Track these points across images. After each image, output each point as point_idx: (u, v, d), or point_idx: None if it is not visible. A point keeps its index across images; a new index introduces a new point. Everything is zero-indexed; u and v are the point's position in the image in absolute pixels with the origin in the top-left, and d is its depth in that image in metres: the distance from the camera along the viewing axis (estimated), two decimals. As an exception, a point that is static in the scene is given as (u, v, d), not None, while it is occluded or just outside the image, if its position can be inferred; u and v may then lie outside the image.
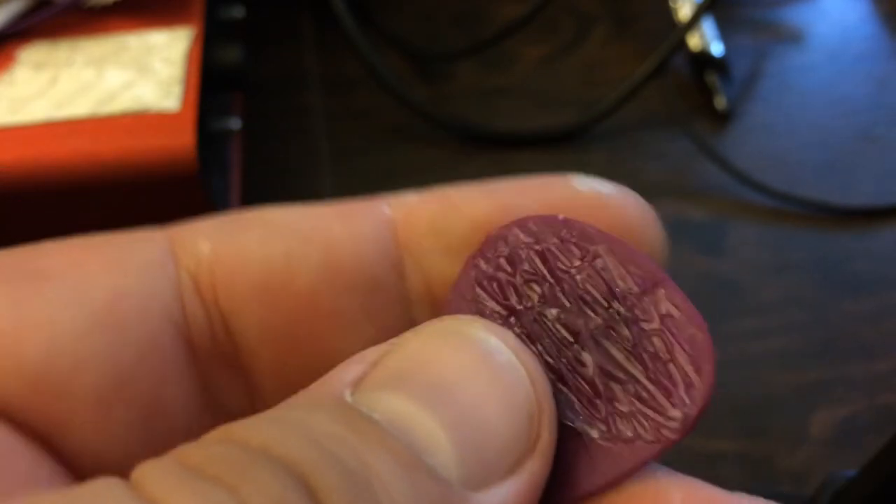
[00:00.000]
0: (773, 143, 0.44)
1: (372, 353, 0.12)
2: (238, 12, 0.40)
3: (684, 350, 0.13)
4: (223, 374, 0.14)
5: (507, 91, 0.46)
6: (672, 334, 0.13)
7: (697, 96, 0.46)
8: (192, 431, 0.13)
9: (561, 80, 0.47)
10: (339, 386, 0.11)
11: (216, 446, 0.10)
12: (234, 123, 0.38)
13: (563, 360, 0.13)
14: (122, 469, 0.11)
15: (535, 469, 0.12)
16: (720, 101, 0.45)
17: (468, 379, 0.12)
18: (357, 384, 0.11)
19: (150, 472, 0.10)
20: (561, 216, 0.14)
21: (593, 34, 0.49)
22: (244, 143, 0.42)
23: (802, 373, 0.35)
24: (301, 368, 0.14)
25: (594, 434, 0.13)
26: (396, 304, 0.14)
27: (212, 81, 0.35)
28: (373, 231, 0.14)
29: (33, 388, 0.12)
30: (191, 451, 0.10)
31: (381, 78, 0.42)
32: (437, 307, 0.14)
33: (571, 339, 0.13)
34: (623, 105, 0.44)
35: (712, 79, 0.45)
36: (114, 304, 0.12)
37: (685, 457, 0.33)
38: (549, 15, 0.49)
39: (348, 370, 0.12)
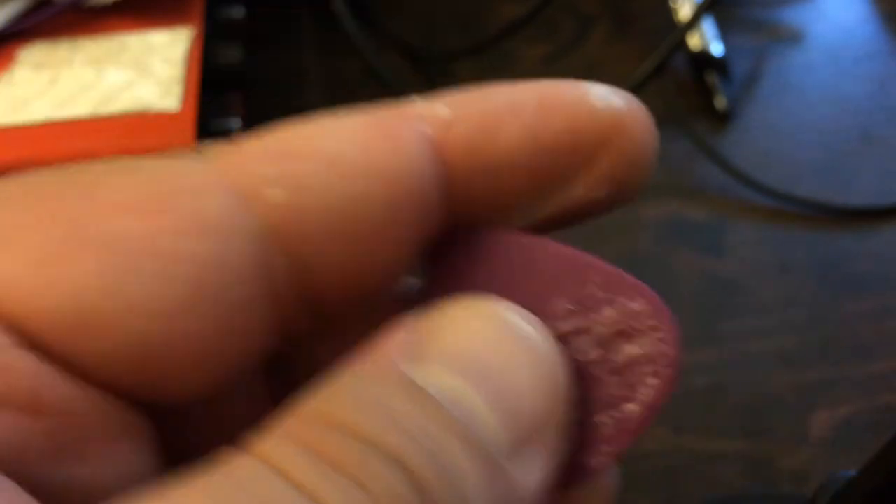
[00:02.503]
0: (773, 143, 0.44)
1: (420, 323, 0.13)
2: (238, 12, 0.40)
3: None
4: (296, 305, 0.14)
5: (507, 91, 0.46)
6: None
7: (697, 96, 0.46)
8: (265, 345, 0.14)
9: (561, 80, 0.47)
10: (398, 356, 0.12)
11: (328, 432, 0.11)
12: (234, 123, 0.38)
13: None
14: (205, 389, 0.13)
15: (562, 449, 0.13)
16: (720, 101, 0.45)
17: (509, 362, 0.13)
18: (414, 357, 0.12)
19: (280, 453, 0.11)
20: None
21: (593, 34, 0.49)
22: (244, 143, 0.42)
23: (802, 373, 0.35)
24: (361, 281, 0.14)
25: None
26: (440, 219, 0.15)
27: (212, 81, 0.35)
28: (415, 150, 0.14)
29: (140, 363, 0.12)
30: (304, 432, 0.11)
31: (381, 78, 0.42)
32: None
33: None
34: (623, 105, 0.43)
35: (712, 79, 0.45)
36: (204, 278, 0.12)
37: (685, 457, 0.33)
38: (549, 15, 0.49)
39: (399, 342, 0.12)
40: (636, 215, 0.41)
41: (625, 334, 0.14)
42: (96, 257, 0.12)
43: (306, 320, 0.14)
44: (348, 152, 0.14)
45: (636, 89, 0.43)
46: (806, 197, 0.41)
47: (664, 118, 0.45)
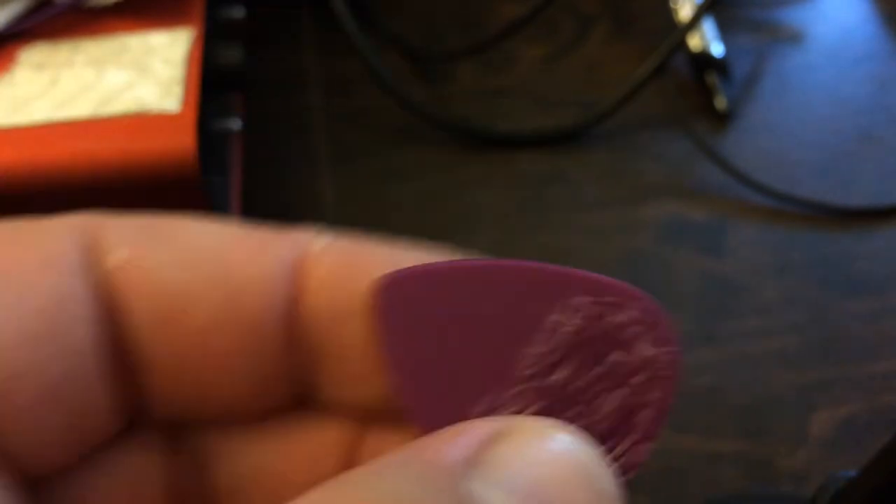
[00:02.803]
0: (773, 143, 0.44)
1: (481, 430, 0.12)
2: (238, 12, 0.40)
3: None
4: (130, 383, 0.14)
5: (507, 91, 0.47)
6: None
7: (697, 96, 0.46)
8: (112, 425, 0.14)
9: (561, 80, 0.47)
10: (452, 464, 0.11)
11: None
12: (234, 123, 0.38)
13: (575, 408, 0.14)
14: (54, 465, 0.13)
15: None
16: (720, 102, 0.45)
17: (569, 486, 0.12)
18: (469, 468, 0.11)
19: None
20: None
21: (593, 34, 0.49)
22: (244, 143, 0.42)
23: (802, 373, 0.35)
24: (188, 394, 0.14)
25: None
26: (283, 353, 0.14)
27: (212, 82, 0.35)
28: (277, 277, 0.14)
29: None
30: None
31: (381, 78, 0.42)
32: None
33: (578, 392, 0.13)
34: (623, 105, 0.44)
35: (712, 79, 0.45)
36: (46, 313, 0.12)
37: (685, 457, 0.33)
38: (549, 15, 0.49)
39: (458, 449, 0.12)
40: (636, 215, 0.41)
41: (617, 346, 0.13)
42: None
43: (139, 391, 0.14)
44: (204, 247, 0.14)
45: (636, 89, 0.43)
46: (806, 197, 0.41)
47: (664, 118, 0.45)
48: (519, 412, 0.13)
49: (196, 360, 0.14)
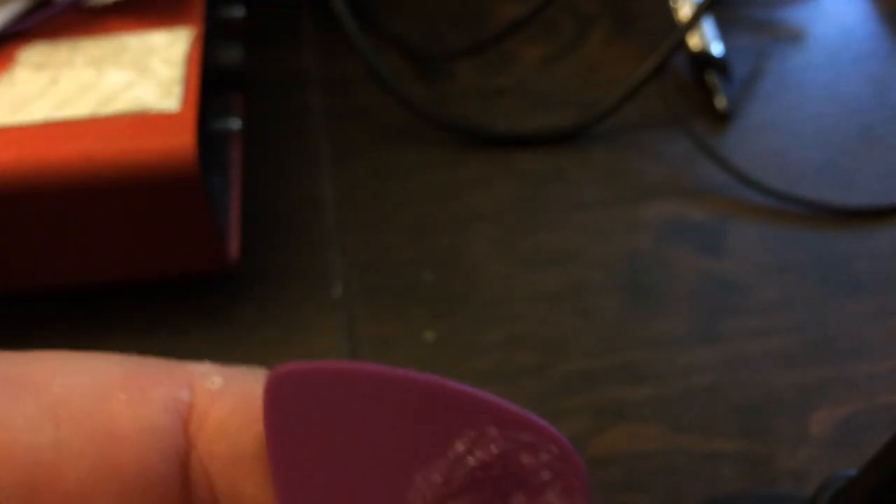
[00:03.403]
0: (773, 142, 0.44)
1: None
2: (238, 12, 0.40)
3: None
4: None
5: (507, 91, 0.46)
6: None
7: (697, 96, 0.46)
8: None
9: (561, 80, 0.47)
10: None
11: None
12: (234, 123, 0.38)
13: None
14: None
15: None
16: (720, 101, 0.45)
17: None
18: None
19: None
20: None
21: (593, 34, 0.49)
22: (244, 143, 0.42)
23: (802, 373, 0.35)
24: None
25: None
26: (180, 502, 0.13)
27: (212, 81, 0.35)
28: (165, 426, 0.12)
29: None
30: None
31: (380, 78, 0.42)
32: None
33: None
34: (623, 105, 0.44)
35: (712, 79, 0.45)
36: None
37: (685, 457, 0.33)
38: (549, 15, 0.49)
39: None
40: (636, 215, 0.41)
41: (523, 489, 0.12)
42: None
43: None
44: (78, 396, 0.12)
45: (636, 89, 0.43)
46: (806, 197, 0.41)
47: (664, 118, 0.45)
48: None
49: None
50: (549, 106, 0.46)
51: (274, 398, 0.12)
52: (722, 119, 0.45)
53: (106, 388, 0.12)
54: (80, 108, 0.32)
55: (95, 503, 0.12)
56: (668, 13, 0.48)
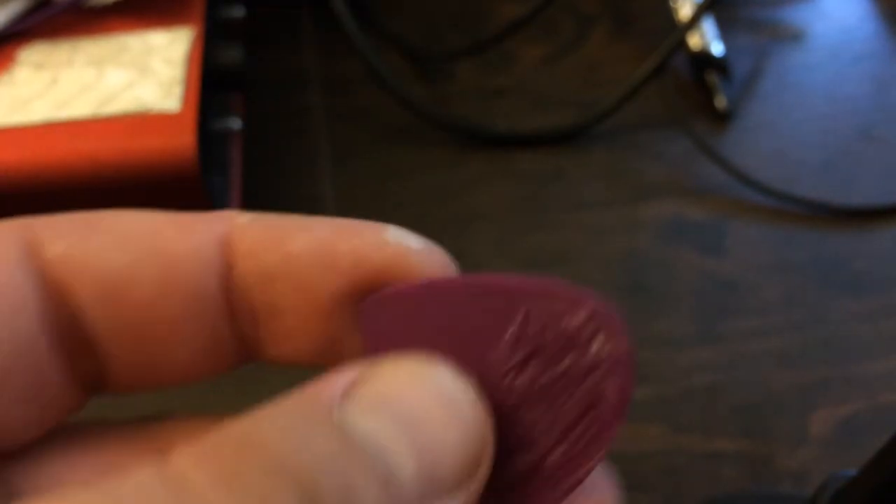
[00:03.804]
0: (773, 142, 0.44)
1: (353, 370, 0.14)
2: (238, 12, 0.40)
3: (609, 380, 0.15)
4: (86, 357, 0.16)
5: (507, 91, 0.47)
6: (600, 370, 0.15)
7: (697, 96, 0.46)
8: (71, 398, 0.16)
9: (561, 80, 0.47)
10: (329, 398, 0.13)
11: (244, 452, 0.12)
12: (234, 123, 0.38)
13: (512, 401, 0.15)
14: (19, 440, 0.15)
15: (472, 492, 0.14)
16: (720, 101, 0.45)
17: (435, 417, 0.13)
18: (344, 400, 0.13)
19: (188, 465, 0.11)
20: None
21: (593, 34, 0.49)
22: (244, 143, 0.42)
23: (802, 373, 0.35)
24: (144, 362, 0.16)
25: (547, 460, 0.15)
26: (223, 316, 0.16)
27: (212, 81, 0.35)
28: (207, 249, 0.16)
29: None
30: (221, 449, 0.12)
31: (380, 78, 0.42)
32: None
33: (520, 387, 0.15)
34: (623, 105, 0.44)
35: (712, 79, 0.45)
36: None
37: (685, 457, 0.33)
38: (549, 15, 0.49)
39: (336, 385, 0.13)
40: (636, 215, 0.41)
41: (573, 347, 0.14)
42: None
43: (98, 371, 0.16)
44: (137, 231, 0.15)
45: (636, 89, 0.43)
46: (806, 196, 0.41)
47: (664, 118, 0.45)
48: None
49: (143, 331, 0.15)
50: (549, 106, 0.46)
51: (364, 314, 0.15)
52: (722, 119, 0.45)
53: (158, 225, 0.16)
54: (81, 108, 0.32)
55: (158, 312, 0.15)
56: (668, 13, 0.48)
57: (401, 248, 0.16)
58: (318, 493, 0.11)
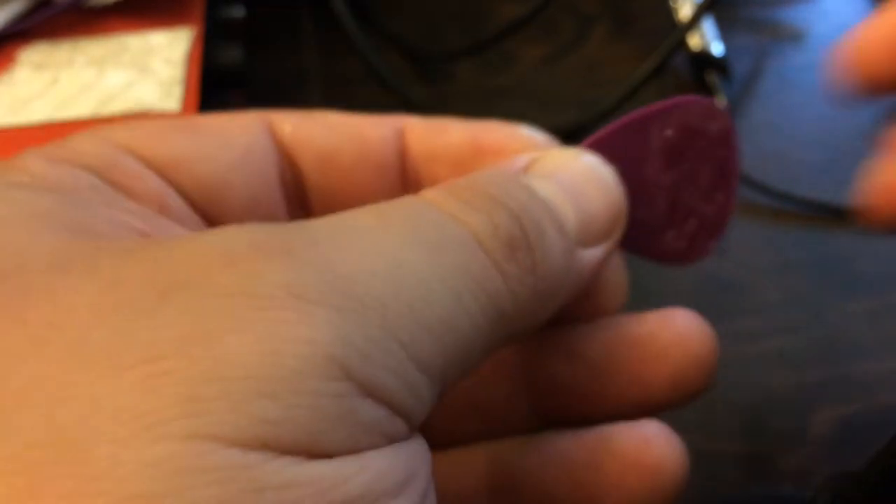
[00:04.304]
0: (773, 142, 0.44)
1: (530, 155, 0.19)
2: (238, 12, 0.40)
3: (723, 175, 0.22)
4: (302, 211, 0.22)
5: (507, 91, 0.46)
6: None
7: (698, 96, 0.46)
8: (283, 217, 0.21)
9: (561, 80, 0.47)
10: (515, 169, 0.19)
11: (470, 191, 0.17)
12: (235, 123, 0.38)
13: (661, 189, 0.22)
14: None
15: (611, 244, 0.20)
16: (720, 101, 0.45)
17: (588, 183, 0.19)
18: (525, 170, 0.19)
19: (435, 196, 0.17)
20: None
21: (593, 34, 0.49)
22: (244, 144, 0.42)
23: (802, 373, 0.35)
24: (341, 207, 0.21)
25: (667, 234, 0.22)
26: (400, 187, 0.22)
27: (212, 81, 0.35)
28: (389, 136, 0.22)
29: (205, 192, 0.19)
30: (455, 190, 0.17)
31: (381, 78, 0.42)
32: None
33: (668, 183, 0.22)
34: (623, 105, 0.44)
35: (712, 79, 0.45)
36: (245, 153, 0.20)
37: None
38: (549, 15, 0.49)
39: (518, 162, 0.19)
40: (636, 215, 0.41)
41: (701, 134, 0.21)
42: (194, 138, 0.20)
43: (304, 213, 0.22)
44: (341, 121, 0.22)
45: (636, 89, 0.43)
46: (806, 197, 0.41)
47: (664, 118, 0.45)
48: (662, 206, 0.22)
49: (345, 191, 0.21)
50: (549, 106, 0.46)
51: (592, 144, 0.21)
52: (722, 119, 0.45)
53: (356, 119, 0.22)
54: (81, 108, 0.32)
55: (356, 176, 0.21)
56: (668, 13, 0.48)
57: (529, 138, 0.22)
58: (522, 218, 0.17)
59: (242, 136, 0.20)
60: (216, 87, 0.36)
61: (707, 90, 0.45)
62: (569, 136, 0.44)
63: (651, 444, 0.21)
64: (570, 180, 0.19)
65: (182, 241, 0.14)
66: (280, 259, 0.13)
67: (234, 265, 0.13)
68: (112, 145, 0.19)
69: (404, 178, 0.22)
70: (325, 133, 0.21)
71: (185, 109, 0.32)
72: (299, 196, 0.21)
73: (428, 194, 0.17)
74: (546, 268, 0.17)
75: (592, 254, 0.19)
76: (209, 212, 0.19)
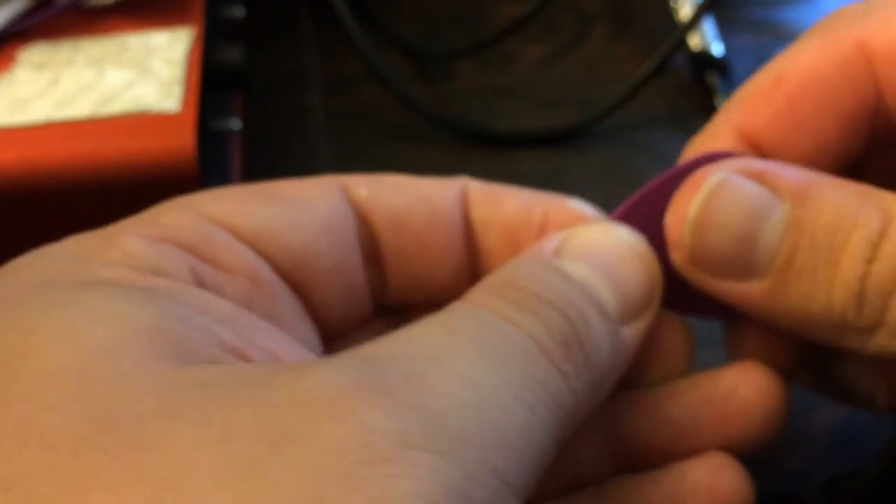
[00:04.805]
0: (773, 142, 0.44)
1: (560, 235, 0.20)
2: (238, 12, 0.40)
3: None
4: (378, 270, 0.22)
5: (507, 91, 0.47)
6: None
7: (697, 96, 0.46)
8: (367, 306, 0.22)
9: (561, 80, 0.47)
10: (546, 254, 0.19)
11: (512, 289, 0.18)
12: (234, 123, 0.38)
13: None
14: (335, 328, 0.22)
15: (650, 319, 0.20)
16: (720, 102, 0.44)
17: (622, 259, 0.20)
18: (556, 253, 0.19)
19: (483, 299, 0.18)
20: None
21: (593, 34, 0.49)
22: (244, 143, 0.42)
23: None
24: (415, 277, 0.23)
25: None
26: (464, 243, 0.23)
27: (212, 81, 0.35)
28: (455, 199, 0.22)
29: (294, 261, 0.20)
30: (497, 289, 0.18)
31: (381, 77, 0.42)
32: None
33: None
34: (623, 105, 0.44)
35: (712, 79, 0.45)
36: (329, 220, 0.21)
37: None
38: (549, 15, 0.49)
39: (548, 245, 0.20)
40: (636, 215, 0.41)
41: None
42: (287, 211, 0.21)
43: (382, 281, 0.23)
44: (411, 184, 0.23)
45: (636, 89, 0.43)
46: (806, 197, 0.41)
47: (664, 118, 0.45)
48: None
49: (416, 252, 0.22)
50: (549, 106, 0.46)
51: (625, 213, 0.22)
52: (722, 119, 0.45)
53: (424, 181, 0.23)
54: (81, 108, 0.32)
55: (426, 238, 0.22)
56: (668, 13, 0.48)
57: (579, 213, 0.23)
58: (567, 311, 0.17)
59: (324, 202, 0.21)
60: (216, 87, 0.36)
61: (707, 90, 0.45)
62: (569, 136, 0.44)
63: (724, 475, 0.21)
64: (604, 258, 0.19)
65: (284, 380, 0.15)
66: (381, 402, 0.14)
67: (339, 414, 0.14)
68: (204, 219, 0.19)
69: (468, 241, 0.23)
70: (396, 195, 0.22)
71: (185, 109, 0.32)
72: (375, 258, 0.22)
73: (477, 298, 0.18)
74: (597, 358, 0.18)
75: (635, 327, 0.20)
76: (297, 278, 0.20)
